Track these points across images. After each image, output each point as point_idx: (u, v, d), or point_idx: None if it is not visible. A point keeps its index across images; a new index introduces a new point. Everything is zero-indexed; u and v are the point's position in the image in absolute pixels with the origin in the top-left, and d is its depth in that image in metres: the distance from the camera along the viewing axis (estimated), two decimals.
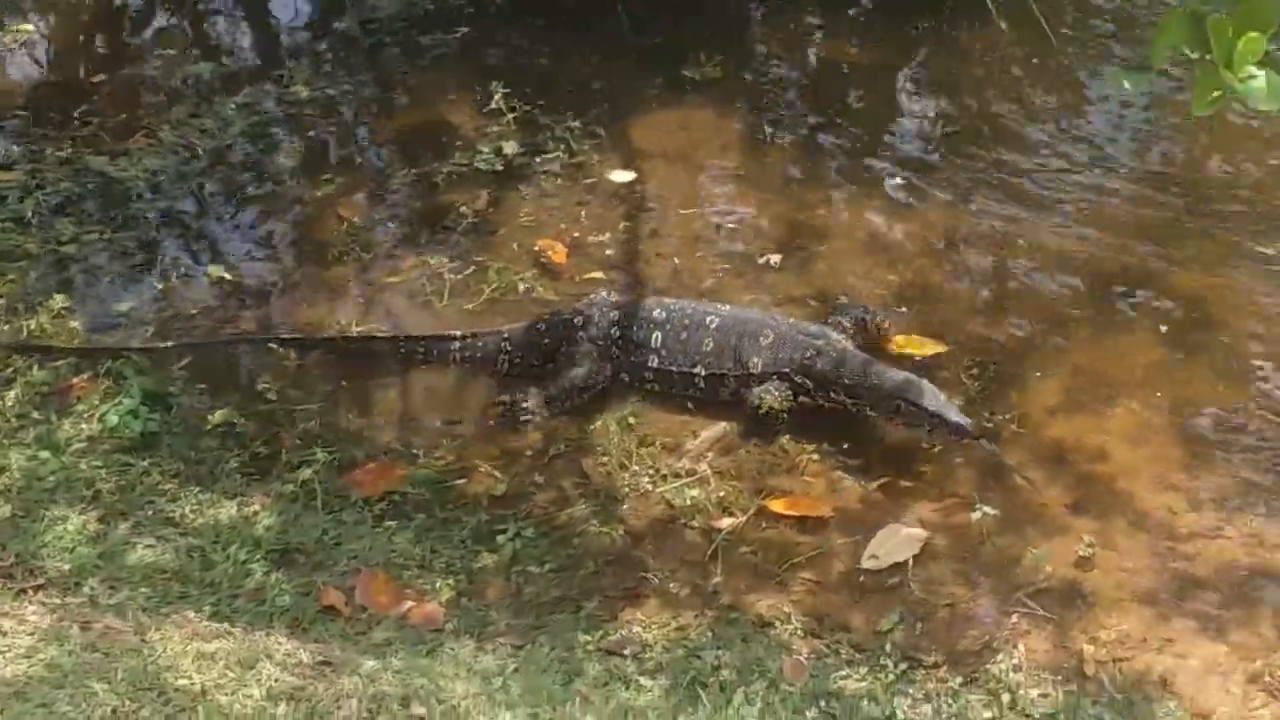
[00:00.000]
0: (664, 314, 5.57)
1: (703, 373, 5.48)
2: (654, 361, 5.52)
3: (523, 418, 5.47)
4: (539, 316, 5.74)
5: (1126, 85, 3.09)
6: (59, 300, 5.94)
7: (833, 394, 5.40)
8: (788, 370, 5.42)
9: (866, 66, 7.53)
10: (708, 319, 5.52)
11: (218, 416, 5.44)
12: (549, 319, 5.69)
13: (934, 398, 5.25)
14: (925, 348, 5.69)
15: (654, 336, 5.53)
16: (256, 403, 5.56)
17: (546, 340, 5.65)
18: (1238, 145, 6.85)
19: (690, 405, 5.53)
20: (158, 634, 4.25)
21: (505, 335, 5.69)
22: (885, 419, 5.36)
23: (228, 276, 6.13)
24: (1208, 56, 2.89)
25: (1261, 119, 6.87)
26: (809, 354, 5.42)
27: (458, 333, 5.69)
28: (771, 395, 5.38)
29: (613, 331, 5.57)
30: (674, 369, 5.50)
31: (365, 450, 5.38)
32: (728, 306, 5.66)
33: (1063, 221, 6.42)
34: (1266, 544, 4.90)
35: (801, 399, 5.42)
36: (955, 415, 5.21)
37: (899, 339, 5.74)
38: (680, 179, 6.70)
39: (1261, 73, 2.85)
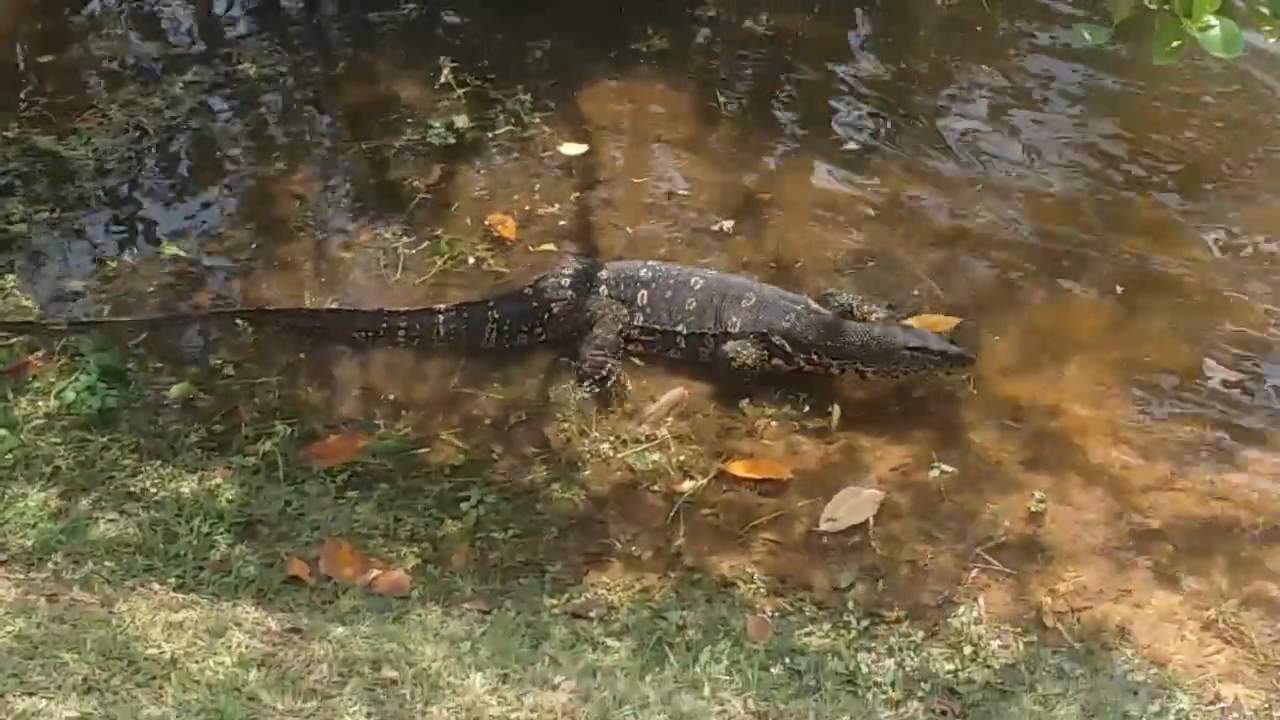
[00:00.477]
0: (650, 273, 5.61)
1: (684, 331, 5.52)
2: (639, 319, 5.56)
3: (603, 378, 5.48)
4: (526, 284, 5.75)
5: (1088, 38, 3.11)
6: (10, 280, 5.88)
7: (815, 356, 5.48)
8: (765, 331, 5.46)
9: (814, 37, 7.56)
10: (692, 280, 5.58)
11: (176, 391, 5.42)
12: (536, 285, 5.70)
13: (935, 339, 5.40)
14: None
15: (640, 295, 5.57)
16: (215, 377, 5.54)
17: (534, 304, 5.66)
18: (1179, 118, 6.92)
19: (648, 369, 5.57)
20: (125, 605, 4.24)
21: (491, 305, 5.68)
22: (883, 373, 5.46)
23: (181, 253, 6.08)
24: (1167, 7, 2.95)
25: (1205, 91, 6.99)
26: (789, 317, 5.47)
27: (441, 306, 5.68)
28: (746, 351, 5.42)
29: (600, 290, 5.60)
30: (658, 327, 5.55)
31: (326, 422, 5.38)
32: (713, 271, 5.73)
33: (1012, 188, 6.49)
34: (1218, 494, 5.01)
35: (776, 362, 5.48)
36: (955, 349, 5.38)
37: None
38: (632, 150, 6.72)
39: (1218, 22, 2.90)
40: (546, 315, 5.65)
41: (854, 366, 5.47)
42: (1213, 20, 2.88)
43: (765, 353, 5.48)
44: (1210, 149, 6.72)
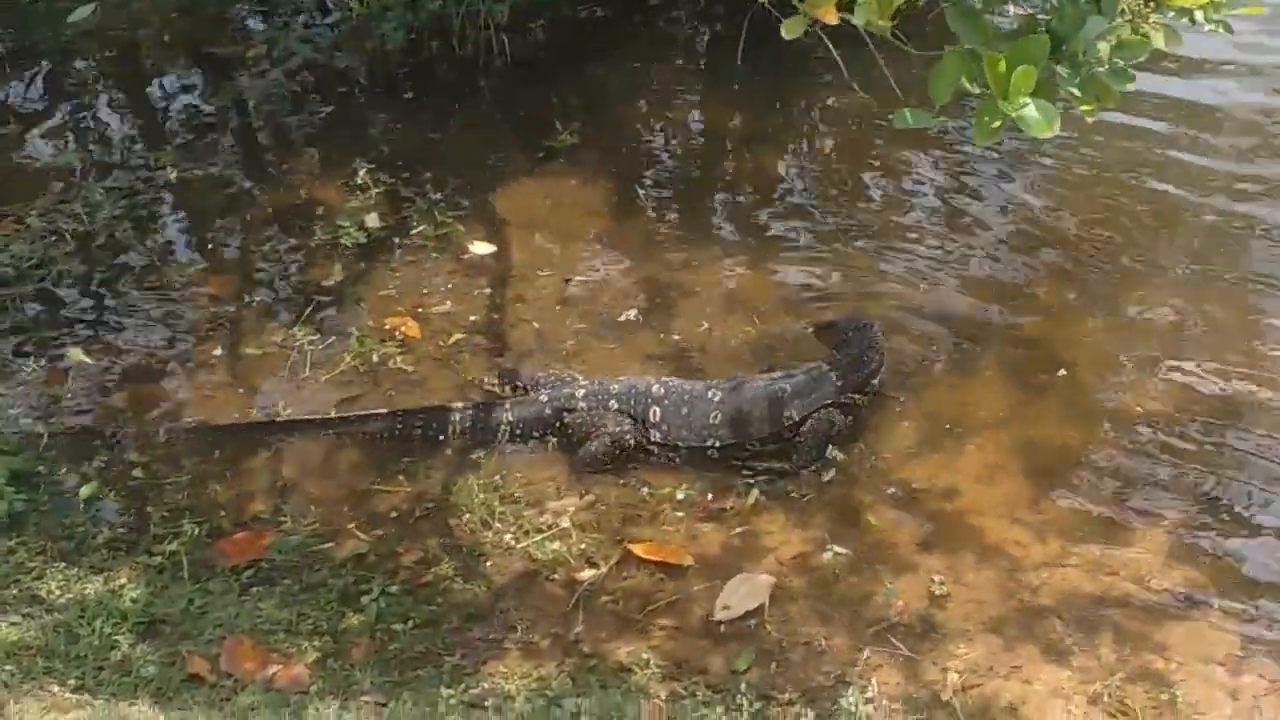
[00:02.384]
0: (662, 390, 5.73)
1: (718, 444, 5.68)
2: (655, 435, 5.69)
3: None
4: (542, 393, 5.83)
5: (910, 120, 3.23)
6: None
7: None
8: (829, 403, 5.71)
9: (722, 129, 7.76)
10: (709, 393, 5.70)
11: (85, 492, 5.47)
12: (551, 394, 5.78)
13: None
14: None
15: (652, 411, 5.69)
16: (125, 479, 5.59)
17: (548, 412, 5.76)
18: (1087, 200, 7.08)
19: (554, 460, 5.66)
20: (16, 708, 4.27)
21: (508, 407, 5.77)
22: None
23: (88, 360, 6.14)
24: (986, 91, 3.07)
25: (1110, 173, 7.18)
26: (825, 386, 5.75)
27: (458, 405, 5.78)
28: (837, 417, 5.69)
29: (611, 404, 5.71)
30: (681, 444, 5.69)
31: (234, 520, 5.43)
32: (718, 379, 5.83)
33: (918, 274, 6.63)
34: (1106, 570, 5.09)
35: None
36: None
37: None
38: (543, 245, 6.84)
39: (1035, 103, 3.03)
40: (558, 423, 5.73)
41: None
42: (1028, 102, 3.00)
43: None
44: (1110, 228, 6.86)
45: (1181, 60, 7.95)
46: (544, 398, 5.78)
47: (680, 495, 5.46)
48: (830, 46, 3.99)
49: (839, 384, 5.75)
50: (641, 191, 7.30)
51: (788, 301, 6.46)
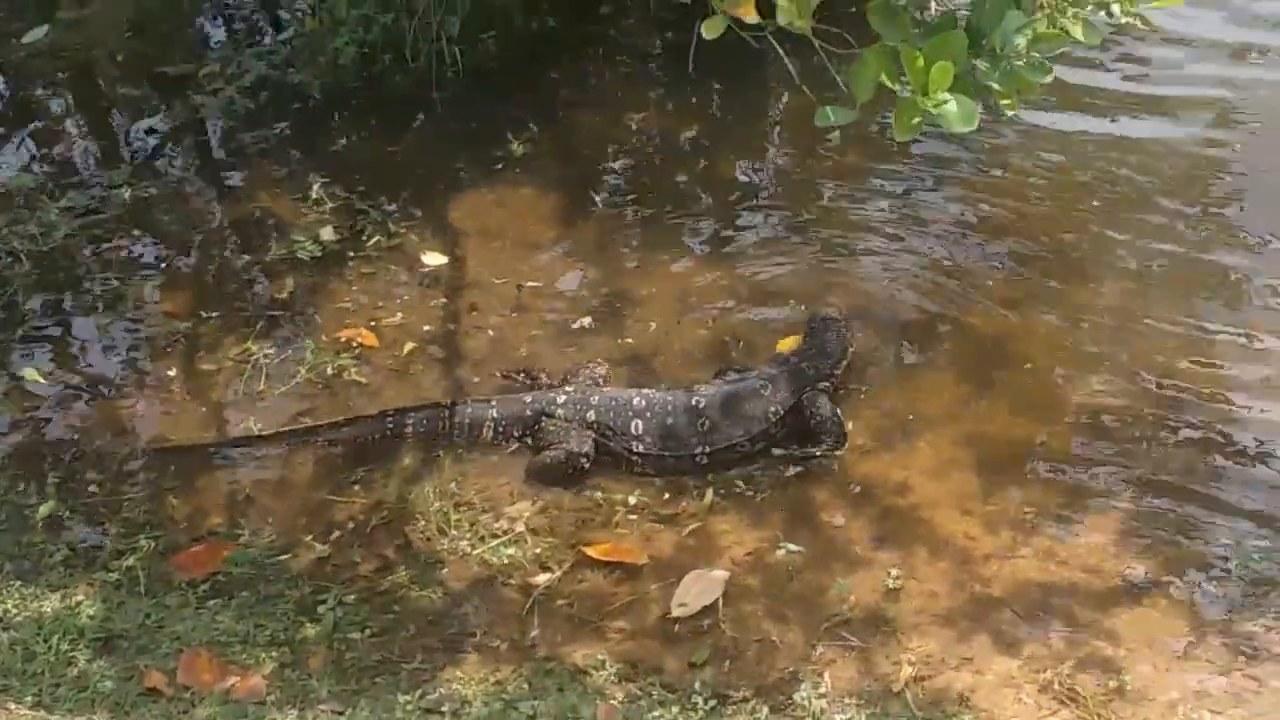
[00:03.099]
0: (644, 402, 5.74)
1: (707, 449, 5.67)
2: (639, 447, 5.68)
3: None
4: (527, 395, 5.87)
5: (832, 118, 3.28)
6: None
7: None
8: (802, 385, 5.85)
9: (675, 134, 7.80)
10: (693, 400, 5.73)
11: (43, 510, 5.49)
12: (534, 398, 5.81)
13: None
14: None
15: (634, 424, 5.70)
16: (82, 495, 5.61)
17: (529, 414, 5.78)
18: (1039, 196, 7.15)
19: (507, 466, 5.69)
20: None
21: (493, 404, 5.81)
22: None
23: (42, 381, 6.16)
24: (906, 86, 3.12)
25: (1064, 169, 7.30)
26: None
27: (447, 402, 5.83)
28: (823, 400, 5.79)
29: (589, 415, 5.73)
30: (669, 454, 5.69)
31: (191, 534, 5.46)
32: (701, 387, 5.85)
33: (871, 273, 6.68)
34: (1057, 560, 5.15)
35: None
36: None
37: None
38: (497, 253, 6.87)
39: (954, 98, 3.07)
40: (536, 426, 5.75)
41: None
42: (948, 97, 3.04)
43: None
44: (1059, 225, 6.92)
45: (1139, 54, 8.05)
46: (527, 398, 5.81)
47: (633, 500, 5.50)
48: (778, 48, 4.03)
49: (810, 373, 5.85)
50: (595, 198, 7.34)
51: (742, 303, 6.49)
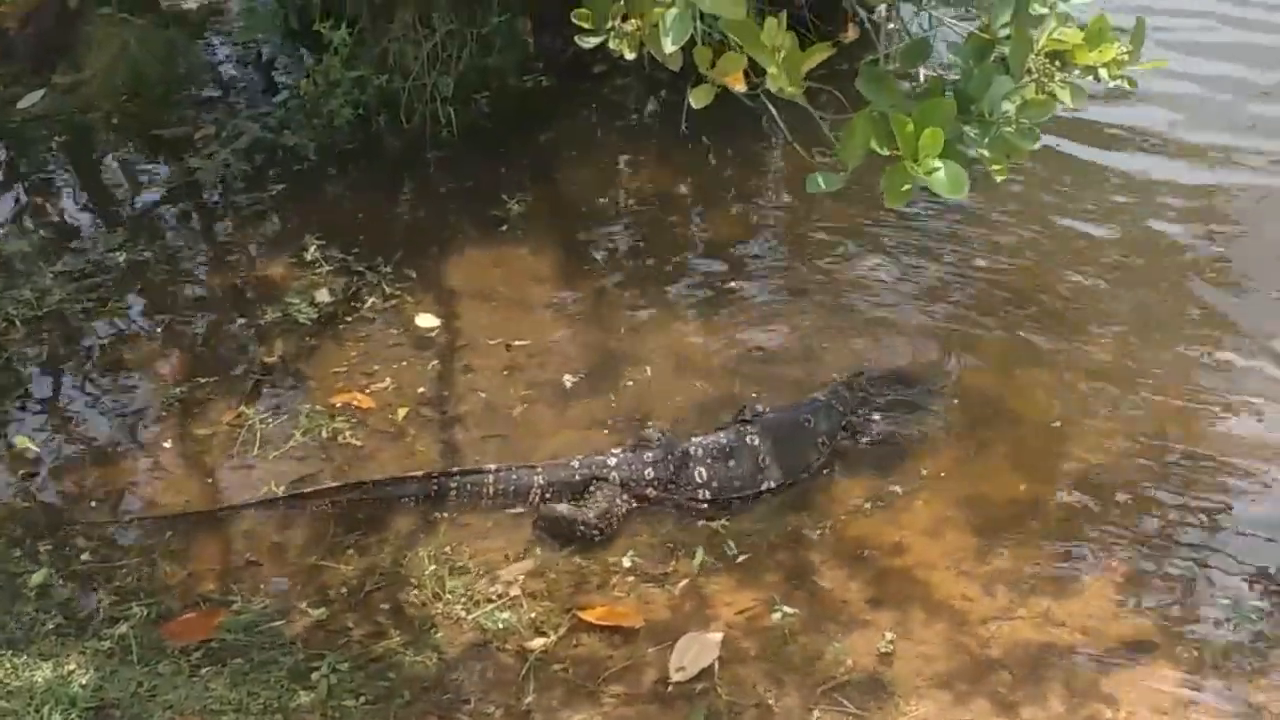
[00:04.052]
0: (700, 450, 5.78)
1: (773, 485, 5.80)
2: (704, 495, 5.74)
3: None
4: (575, 459, 5.83)
5: (822, 185, 3.28)
6: None
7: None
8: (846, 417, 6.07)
9: (669, 194, 7.82)
10: (748, 439, 5.82)
11: (36, 579, 5.46)
12: (583, 461, 5.79)
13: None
14: None
15: (697, 472, 5.74)
16: (74, 563, 5.58)
17: (578, 479, 5.76)
18: (1034, 253, 7.17)
19: (501, 529, 5.67)
20: None
21: (539, 470, 5.78)
22: None
23: (34, 448, 6.14)
24: (896, 152, 3.12)
25: (1058, 226, 7.34)
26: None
27: (492, 467, 5.79)
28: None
29: (647, 473, 5.74)
30: (735, 496, 5.77)
31: (184, 601, 5.42)
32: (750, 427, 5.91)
33: (863, 330, 6.69)
34: (1055, 621, 5.12)
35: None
36: None
37: None
38: (491, 314, 6.87)
39: (944, 164, 3.07)
40: (585, 489, 5.72)
41: None
42: (938, 163, 3.04)
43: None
44: (1052, 282, 6.94)
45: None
46: (575, 463, 5.79)
47: (628, 561, 5.47)
48: (771, 109, 4.04)
49: (841, 409, 6.00)
50: (589, 258, 7.35)
51: (735, 363, 6.49)
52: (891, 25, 8.18)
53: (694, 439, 5.83)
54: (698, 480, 5.71)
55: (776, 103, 3.83)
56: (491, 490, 5.76)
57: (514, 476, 5.76)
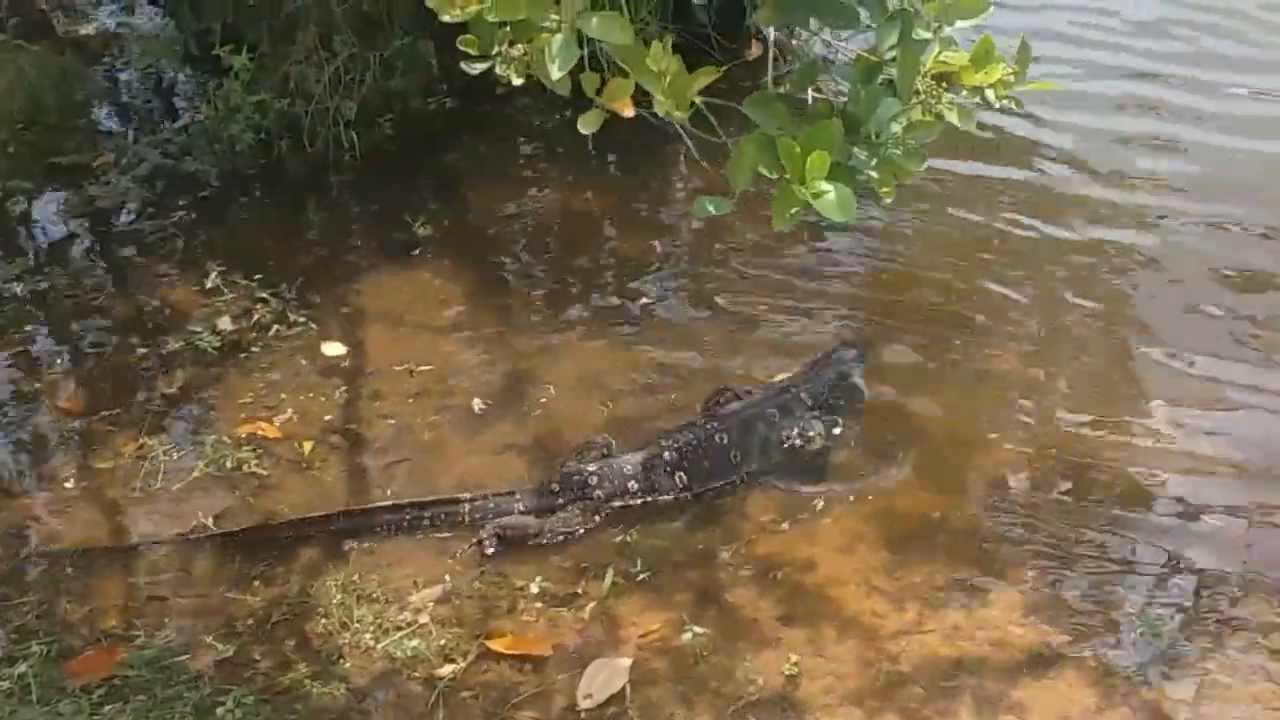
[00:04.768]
0: (675, 455, 5.87)
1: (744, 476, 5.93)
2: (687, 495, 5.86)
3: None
4: (552, 479, 5.84)
5: (711, 209, 3.28)
6: None
7: None
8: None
9: (577, 213, 7.82)
10: (716, 436, 5.93)
11: None
12: (562, 478, 5.81)
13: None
14: None
15: (678, 476, 5.86)
16: None
17: (560, 498, 5.77)
18: (942, 267, 7.23)
19: (412, 554, 5.60)
20: None
21: (518, 497, 5.77)
22: None
23: None
24: (785, 176, 3.11)
25: (964, 237, 7.44)
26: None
27: (467, 495, 5.74)
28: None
29: (630, 484, 5.82)
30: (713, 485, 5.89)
31: (84, 637, 5.33)
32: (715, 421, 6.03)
33: (772, 345, 6.71)
34: (964, 634, 5.14)
35: None
36: None
37: None
38: (398, 339, 6.82)
39: (832, 187, 3.08)
40: (561, 504, 5.76)
41: None
42: (826, 185, 3.05)
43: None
44: (961, 293, 6.99)
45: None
46: (554, 488, 5.79)
47: (535, 586, 5.44)
48: (678, 127, 4.02)
49: (808, 402, 6.08)
50: (497, 280, 7.32)
51: (645, 383, 6.48)
52: (795, 43, 8.29)
53: (667, 445, 5.90)
54: (679, 484, 5.84)
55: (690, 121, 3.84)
56: (467, 519, 5.74)
57: (490, 504, 5.74)
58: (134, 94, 9.10)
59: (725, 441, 5.90)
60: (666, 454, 5.85)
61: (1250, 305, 6.84)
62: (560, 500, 5.75)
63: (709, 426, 5.95)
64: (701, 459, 5.85)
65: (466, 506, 5.74)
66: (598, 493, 5.74)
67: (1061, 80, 8.36)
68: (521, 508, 5.74)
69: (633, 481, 5.80)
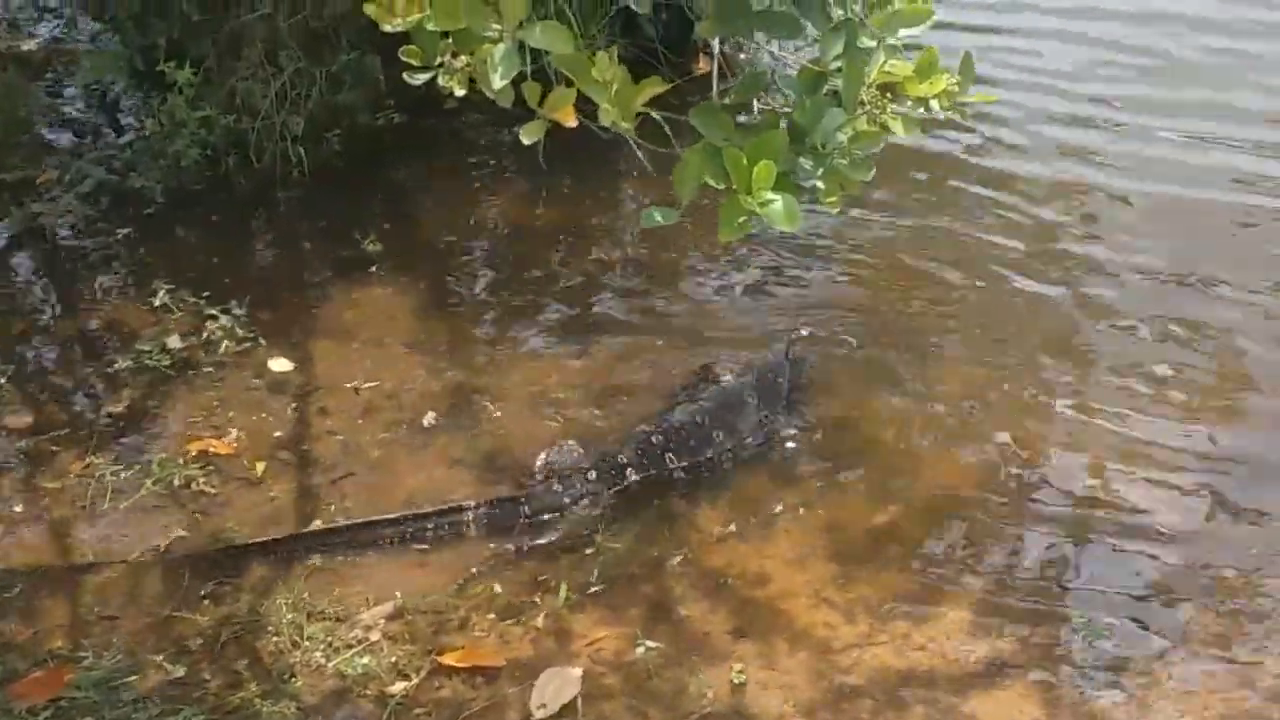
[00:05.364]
0: (662, 437, 6.07)
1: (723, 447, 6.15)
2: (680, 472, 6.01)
3: None
4: (554, 481, 5.90)
5: (659, 219, 3.28)
6: None
7: None
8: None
9: (526, 227, 7.83)
10: (696, 417, 6.15)
11: None
12: (561, 480, 5.88)
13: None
14: None
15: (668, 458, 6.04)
16: None
17: (566, 500, 5.83)
18: (887, 282, 7.27)
19: (364, 573, 5.57)
20: None
21: (524, 501, 5.80)
22: None
23: None
24: (731, 186, 3.12)
25: (908, 254, 7.46)
26: None
27: (471, 503, 5.75)
28: None
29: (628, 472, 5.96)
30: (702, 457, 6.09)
31: (30, 659, 5.26)
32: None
33: (722, 359, 6.69)
34: (915, 646, 5.15)
35: None
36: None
37: None
38: (347, 355, 6.79)
39: (779, 196, 3.08)
40: (569, 502, 5.84)
41: None
42: (773, 195, 3.05)
43: None
44: (904, 309, 7.05)
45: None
46: (557, 488, 5.84)
47: (489, 597, 5.42)
48: (628, 138, 4.02)
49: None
50: (446, 294, 7.30)
51: (594, 396, 6.48)
52: (744, 56, 8.32)
53: (649, 430, 6.08)
54: (670, 464, 6.00)
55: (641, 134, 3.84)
56: (472, 526, 5.75)
57: (495, 511, 5.76)
58: (78, 110, 9.04)
59: (706, 422, 6.10)
60: (654, 438, 6.05)
61: (1194, 314, 6.92)
62: (566, 499, 5.85)
63: (686, 410, 6.18)
64: (688, 441, 6.06)
65: (470, 515, 5.76)
66: (593, 487, 5.88)
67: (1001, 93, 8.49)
68: (528, 510, 5.79)
69: (631, 471, 5.96)
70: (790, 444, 6.18)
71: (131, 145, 8.44)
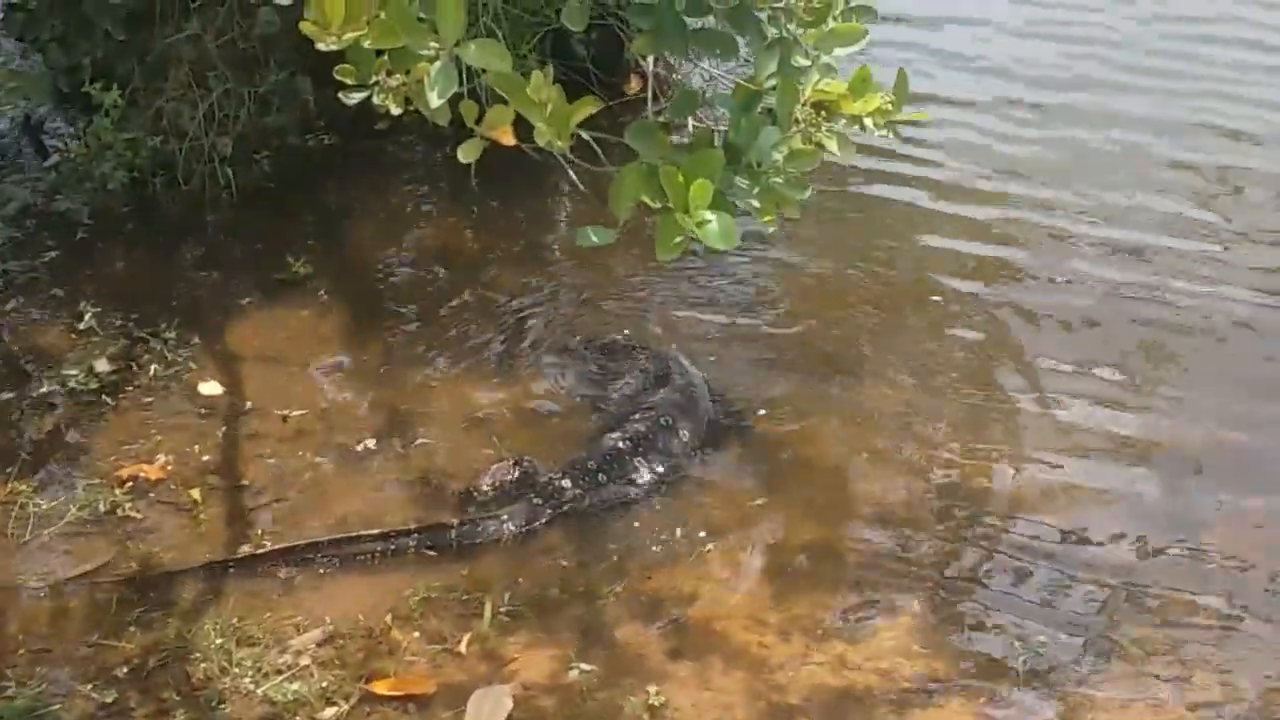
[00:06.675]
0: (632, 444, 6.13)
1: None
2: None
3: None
4: (532, 493, 5.91)
5: (594, 239, 3.26)
6: None
7: None
8: None
9: (459, 249, 7.81)
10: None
11: None
12: (541, 491, 5.91)
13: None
14: None
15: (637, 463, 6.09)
16: None
17: (539, 504, 5.85)
18: (821, 298, 7.30)
19: (297, 596, 5.51)
20: None
21: (505, 518, 5.79)
22: None
23: None
24: (667, 205, 3.10)
25: (844, 267, 7.52)
26: None
27: (454, 521, 5.75)
28: None
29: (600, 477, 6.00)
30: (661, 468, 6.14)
31: None
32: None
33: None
34: (850, 665, 5.15)
35: None
36: None
37: None
38: (278, 379, 6.73)
39: (715, 216, 3.07)
40: (550, 513, 5.84)
41: None
42: (709, 214, 3.04)
43: None
44: (839, 326, 7.07)
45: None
46: (534, 498, 5.85)
47: (419, 619, 5.37)
48: (560, 158, 4.00)
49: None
50: (377, 317, 7.25)
51: (526, 418, 6.46)
52: (676, 76, 8.33)
53: (619, 436, 6.13)
54: (645, 477, 6.06)
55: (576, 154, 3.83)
56: (454, 543, 5.73)
57: (479, 527, 5.76)
58: (1, 132, 8.91)
59: (679, 427, 6.24)
60: (622, 444, 6.11)
61: (1126, 331, 7.01)
62: (540, 505, 5.87)
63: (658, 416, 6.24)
64: (658, 446, 6.15)
65: (453, 533, 5.74)
66: (571, 496, 5.91)
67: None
68: (510, 526, 5.79)
69: (602, 475, 6.01)
70: (722, 464, 6.16)
71: (57, 168, 8.35)
